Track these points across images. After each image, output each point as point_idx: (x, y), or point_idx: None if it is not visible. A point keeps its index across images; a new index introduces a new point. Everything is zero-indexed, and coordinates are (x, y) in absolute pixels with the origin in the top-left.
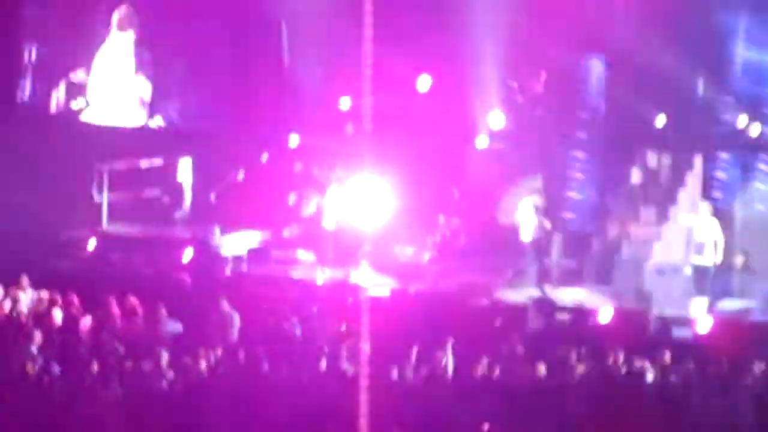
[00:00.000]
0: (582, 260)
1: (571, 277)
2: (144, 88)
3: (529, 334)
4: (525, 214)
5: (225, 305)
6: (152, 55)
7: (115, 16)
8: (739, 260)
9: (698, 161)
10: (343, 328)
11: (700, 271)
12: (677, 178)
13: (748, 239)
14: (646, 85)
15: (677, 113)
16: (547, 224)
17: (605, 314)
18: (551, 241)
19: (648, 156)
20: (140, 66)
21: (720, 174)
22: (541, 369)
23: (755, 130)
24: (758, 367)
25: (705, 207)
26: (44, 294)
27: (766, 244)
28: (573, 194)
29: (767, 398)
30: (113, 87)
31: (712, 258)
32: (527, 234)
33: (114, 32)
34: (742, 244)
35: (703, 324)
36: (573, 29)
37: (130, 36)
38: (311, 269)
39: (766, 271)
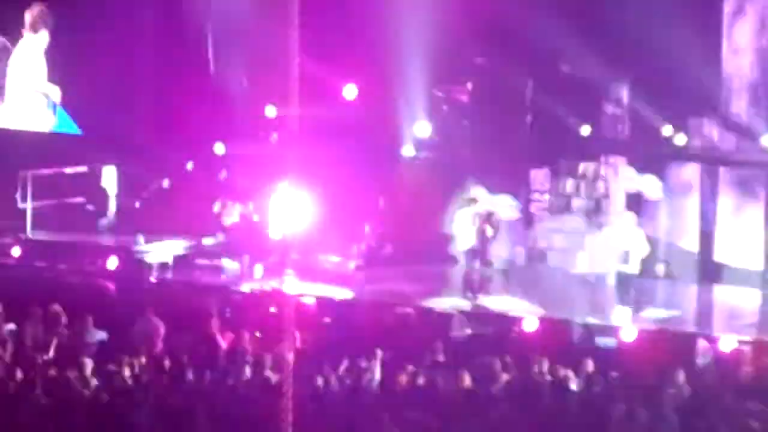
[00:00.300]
0: (508, 269)
1: (497, 286)
2: (54, 92)
3: (454, 342)
4: (463, 222)
5: (150, 313)
6: (67, 58)
7: (27, 17)
8: (660, 269)
9: (623, 170)
10: (265, 335)
11: (623, 280)
12: (602, 188)
13: (669, 248)
14: (571, 93)
15: (602, 123)
16: (490, 231)
17: (530, 323)
18: (486, 249)
19: (572, 165)
20: (53, 69)
21: (643, 183)
22: (466, 378)
23: (680, 139)
24: (681, 377)
25: (629, 216)
26: None
27: (687, 254)
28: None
29: (690, 408)
30: (24, 90)
31: (635, 267)
32: (464, 243)
33: (27, 33)
34: (664, 253)
35: (627, 333)
36: (498, 38)
37: (43, 37)
38: (236, 277)
39: (687, 280)
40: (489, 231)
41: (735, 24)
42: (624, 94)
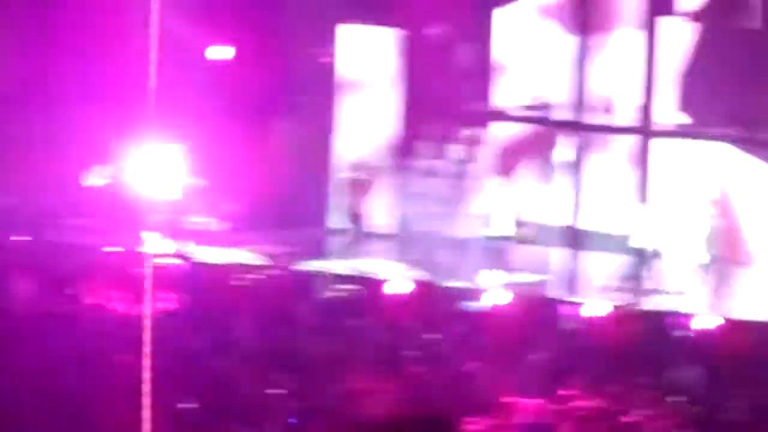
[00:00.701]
0: (379, 233)
1: (369, 249)
2: None
3: (322, 304)
4: (345, 187)
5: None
6: None
7: None
8: (526, 234)
9: (491, 135)
10: (133, 296)
11: (492, 244)
12: (470, 152)
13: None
14: (446, 58)
15: (473, 86)
16: (362, 196)
17: (399, 286)
18: (359, 213)
19: (441, 130)
20: None
21: (514, 147)
22: (333, 340)
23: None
24: (548, 342)
25: (498, 180)
26: None
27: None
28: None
29: (556, 371)
30: None
31: (503, 231)
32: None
33: None
34: (531, 216)
35: (496, 297)
36: (363, 2)
37: None
38: (102, 237)
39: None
40: (361, 195)
41: None
42: (494, 59)
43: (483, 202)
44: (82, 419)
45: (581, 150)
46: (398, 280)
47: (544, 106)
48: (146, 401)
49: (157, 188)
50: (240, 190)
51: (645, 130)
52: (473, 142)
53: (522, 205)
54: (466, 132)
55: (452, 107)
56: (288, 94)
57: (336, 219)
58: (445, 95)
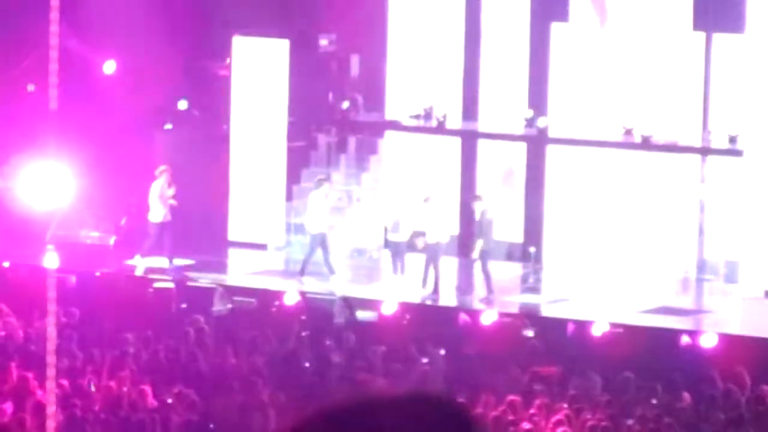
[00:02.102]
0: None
1: (259, 262)
2: None
3: (216, 317)
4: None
5: None
6: None
7: None
8: (420, 242)
9: (381, 145)
10: (26, 311)
11: (392, 250)
12: (361, 161)
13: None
14: (332, 69)
15: (366, 96)
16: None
17: (291, 297)
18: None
19: (331, 140)
20: None
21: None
22: (228, 351)
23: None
24: (439, 351)
25: (392, 188)
26: None
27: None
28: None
29: (450, 380)
30: None
31: (400, 238)
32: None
33: None
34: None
35: (388, 307)
36: (256, 14)
37: None
38: None
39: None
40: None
41: None
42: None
43: (377, 211)
44: None
45: (473, 156)
46: (291, 291)
47: (437, 116)
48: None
49: (48, 203)
50: (134, 203)
51: (541, 138)
52: (366, 152)
53: (415, 215)
54: (359, 142)
55: (345, 117)
56: (183, 105)
57: (234, 231)
58: (338, 106)
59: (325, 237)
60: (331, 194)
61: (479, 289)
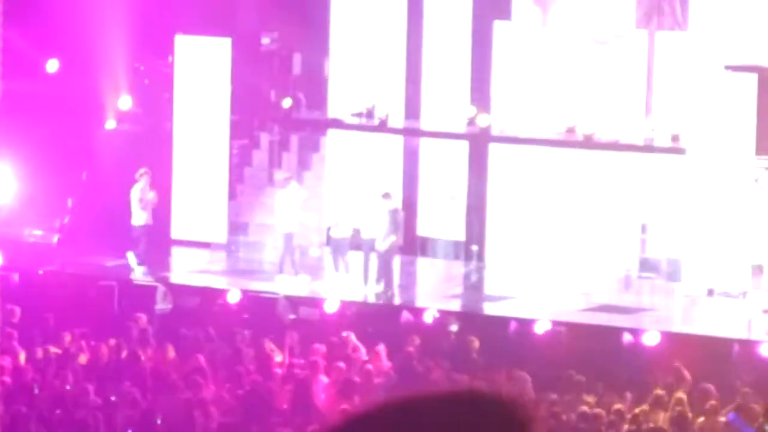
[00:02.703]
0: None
1: (202, 261)
2: None
3: (158, 315)
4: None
5: None
6: None
7: None
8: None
9: (323, 143)
10: None
11: (334, 247)
12: (303, 159)
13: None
14: (275, 66)
15: (308, 94)
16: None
17: (233, 295)
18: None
19: (273, 138)
20: None
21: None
22: (170, 350)
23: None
24: (382, 349)
25: (334, 184)
26: None
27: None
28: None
29: (394, 376)
30: None
31: (344, 233)
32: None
33: None
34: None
35: (330, 305)
36: (198, 12)
37: None
38: None
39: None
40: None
41: None
42: (327, 67)
43: (319, 209)
44: None
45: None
46: (233, 289)
47: (378, 115)
48: None
49: None
50: (77, 201)
51: (483, 136)
52: (309, 150)
53: (355, 212)
54: (301, 140)
55: (287, 116)
56: (124, 104)
57: (177, 229)
58: (280, 104)
59: (292, 236)
60: (298, 193)
61: (373, 283)
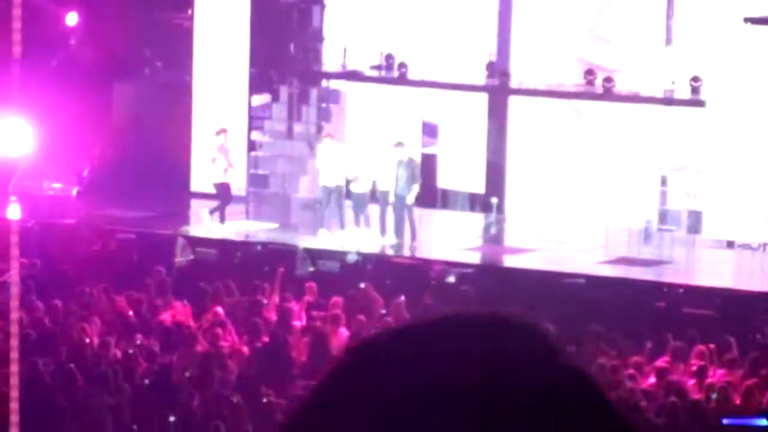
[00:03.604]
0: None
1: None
2: None
3: (177, 268)
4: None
5: None
6: None
7: None
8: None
9: (346, 95)
10: None
11: (354, 201)
12: (321, 114)
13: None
14: (298, 21)
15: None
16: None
17: (253, 248)
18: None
19: (293, 91)
20: None
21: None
22: (187, 305)
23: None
24: (401, 300)
25: (354, 138)
26: None
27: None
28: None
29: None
30: None
31: (362, 187)
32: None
33: None
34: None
35: (351, 257)
36: None
37: None
38: None
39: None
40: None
41: None
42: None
43: (337, 161)
44: None
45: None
46: (255, 241)
47: (396, 65)
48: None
49: (10, 154)
50: (97, 154)
51: (502, 88)
52: (326, 102)
53: (374, 164)
54: (318, 92)
55: (304, 67)
56: (144, 56)
57: (197, 181)
58: (297, 56)
59: (340, 190)
60: (335, 147)
61: (391, 234)
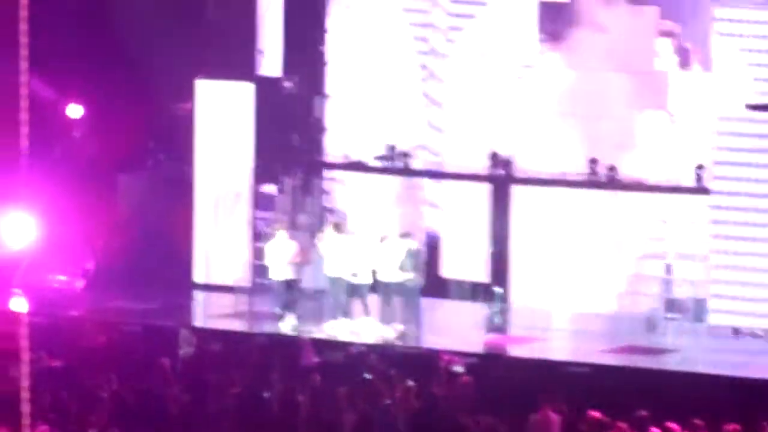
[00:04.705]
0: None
1: (224, 305)
2: None
3: (182, 359)
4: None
5: None
6: None
7: None
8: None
9: (349, 185)
10: None
11: (353, 290)
12: (326, 202)
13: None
14: (301, 110)
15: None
16: None
17: (258, 339)
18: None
19: (296, 182)
20: None
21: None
22: (194, 395)
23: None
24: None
25: (358, 229)
26: None
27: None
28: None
29: (422, 421)
30: None
31: (366, 278)
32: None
33: None
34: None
35: (355, 347)
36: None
37: None
38: None
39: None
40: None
41: None
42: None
43: (342, 252)
44: None
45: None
46: (258, 334)
47: (400, 155)
48: None
49: (15, 247)
50: (102, 246)
51: (506, 178)
52: (330, 193)
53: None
54: (323, 183)
55: (308, 158)
56: (146, 148)
57: (199, 273)
58: (300, 147)
59: (344, 280)
60: (337, 237)
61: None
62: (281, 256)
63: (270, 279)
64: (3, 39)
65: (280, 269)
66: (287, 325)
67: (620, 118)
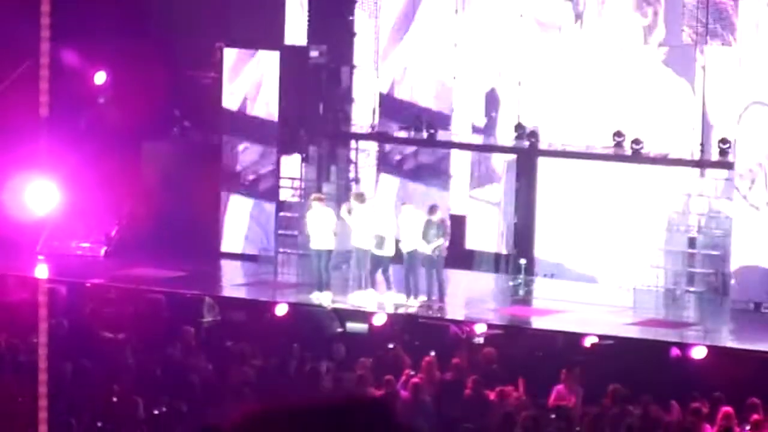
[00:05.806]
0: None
1: (249, 272)
2: None
3: (205, 328)
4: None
5: None
6: None
7: None
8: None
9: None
10: (17, 322)
11: (377, 263)
12: (352, 173)
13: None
14: (327, 80)
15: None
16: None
17: (281, 309)
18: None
19: (321, 151)
20: None
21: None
22: (216, 364)
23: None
24: (430, 358)
25: (382, 200)
26: None
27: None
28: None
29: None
30: None
31: (389, 251)
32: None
33: None
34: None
35: (378, 318)
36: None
37: None
38: None
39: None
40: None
41: None
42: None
43: (368, 220)
44: None
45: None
46: (280, 303)
47: (427, 125)
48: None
49: (38, 213)
50: (126, 213)
51: (531, 150)
52: (356, 162)
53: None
54: (348, 151)
55: (333, 128)
56: (172, 116)
57: (227, 242)
58: (327, 117)
59: (369, 251)
60: (362, 208)
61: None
62: (322, 226)
63: (311, 249)
64: (31, 8)
65: (321, 239)
66: (326, 298)
67: (646, 92)
